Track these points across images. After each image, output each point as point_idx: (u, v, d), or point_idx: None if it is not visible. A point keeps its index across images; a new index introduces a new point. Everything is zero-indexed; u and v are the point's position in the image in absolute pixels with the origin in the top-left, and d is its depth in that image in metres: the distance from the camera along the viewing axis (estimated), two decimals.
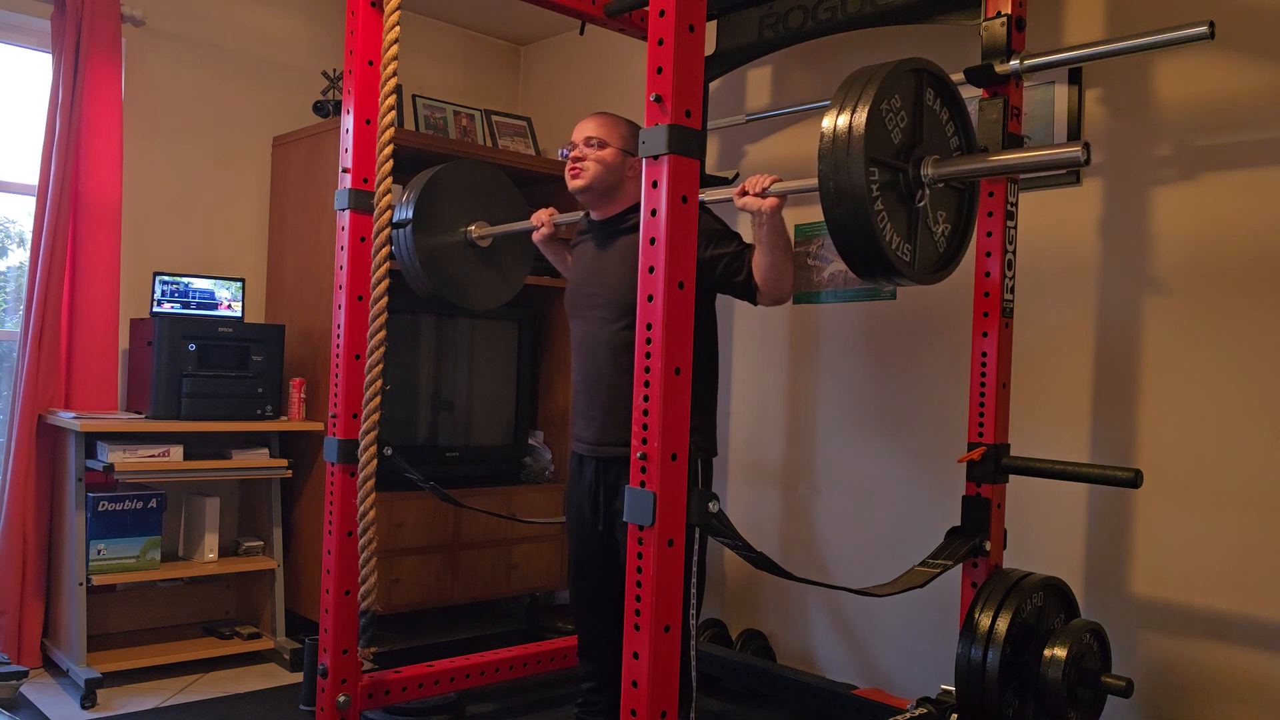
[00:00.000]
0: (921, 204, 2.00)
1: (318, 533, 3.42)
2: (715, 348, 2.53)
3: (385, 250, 2.62)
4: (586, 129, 2.51)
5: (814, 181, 1.92)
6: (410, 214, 2.79)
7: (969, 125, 2.15)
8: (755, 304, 2.36)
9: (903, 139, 1.97)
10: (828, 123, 1.90)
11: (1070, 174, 2.80)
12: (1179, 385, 2.61)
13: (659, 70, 1.87)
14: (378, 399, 2.62)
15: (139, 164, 3.61)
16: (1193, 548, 2.57)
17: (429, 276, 2.84)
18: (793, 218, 3.49)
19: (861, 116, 1.86)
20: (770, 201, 2.18)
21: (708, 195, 2.28)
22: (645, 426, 1.87)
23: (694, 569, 2.30)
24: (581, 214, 2.66)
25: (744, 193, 2.21)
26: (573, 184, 2.51)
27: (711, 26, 3.22)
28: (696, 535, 2.31)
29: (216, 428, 3.33)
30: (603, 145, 2.48)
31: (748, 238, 2.37)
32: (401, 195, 2.85)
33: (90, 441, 3.21)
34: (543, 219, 2.78)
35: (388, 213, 2.61)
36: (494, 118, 4.28)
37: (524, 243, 3.01)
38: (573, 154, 2.51)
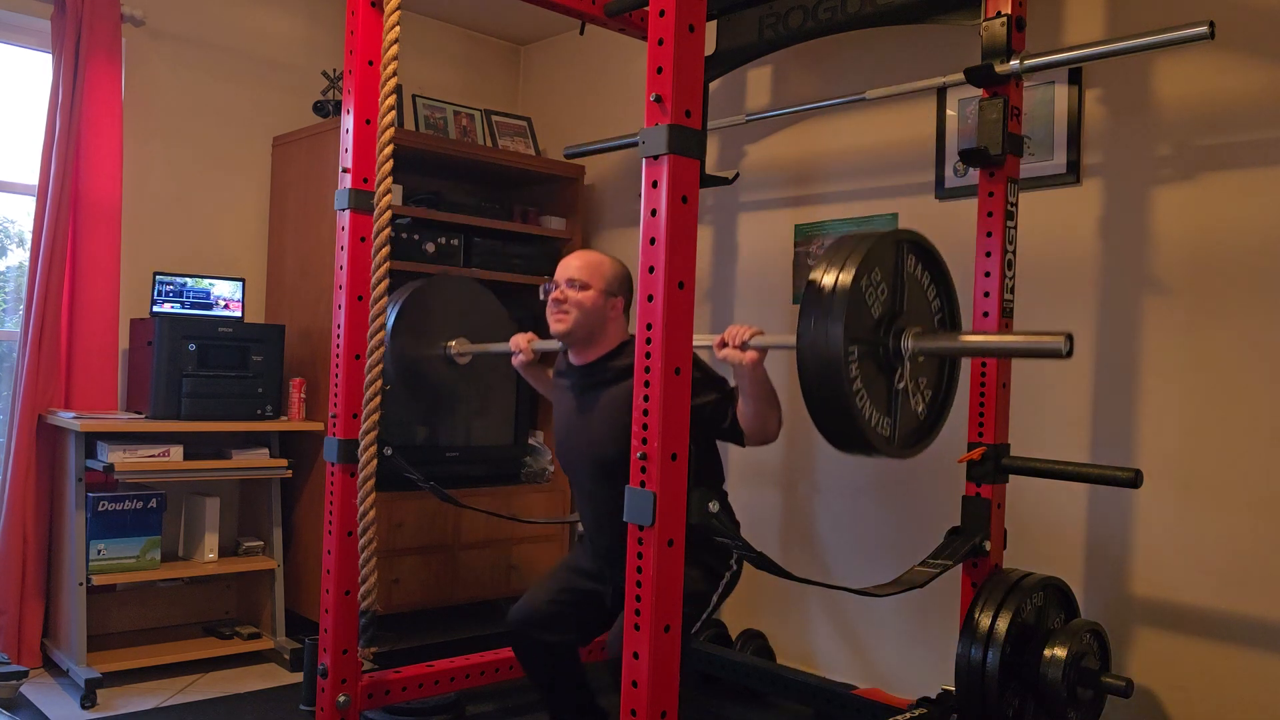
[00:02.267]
0: (901, 385, 1.94)
1: (318, 533, 3.42)
2: (719, 477, 2.53)
3: (385, 250, 2.62)
4: (569, 269, 2.46)
5: (793, 338, 1.89)
6: (394, 318, 2.78)
7: (952, 293, 2.09)
8: (742, 445, 2.32)
9: (882, 312, 1.92)
10: (806, 297, 1.85)
11: (1070, 174, 2.80)
12: (1179, 385, 2.61)
13: (659, 70, 1.87)
14: (378, 399, 2.62)
15: (139, 164, 3.61)
16: (1193, 548, 2.57)
17: (405, 388, 2.81)
18: (792, 218, 3.49)
19: (842, 299, 1.81)
20: (750, 356, 2.12)
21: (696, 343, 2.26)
22: (645, 426, 1.87)
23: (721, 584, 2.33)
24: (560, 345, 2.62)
25: (724, 344, 2.15)
26: (555, 329, 2.47)
27: (711, 26, 3.22)
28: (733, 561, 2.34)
29: (216, 428, 3.33)
30: (584, 288, 2.44)
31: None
32: (392, 300, 2.82)
33: (90, 441, 3.21)
34: (521, 345, 2.74)
35: (388, 213, 2.61)
36: (494, 118, 4.28)
37: (504, 367, 2.96)
38: (554, 295, 2.47)
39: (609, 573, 2.50)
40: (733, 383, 2.27)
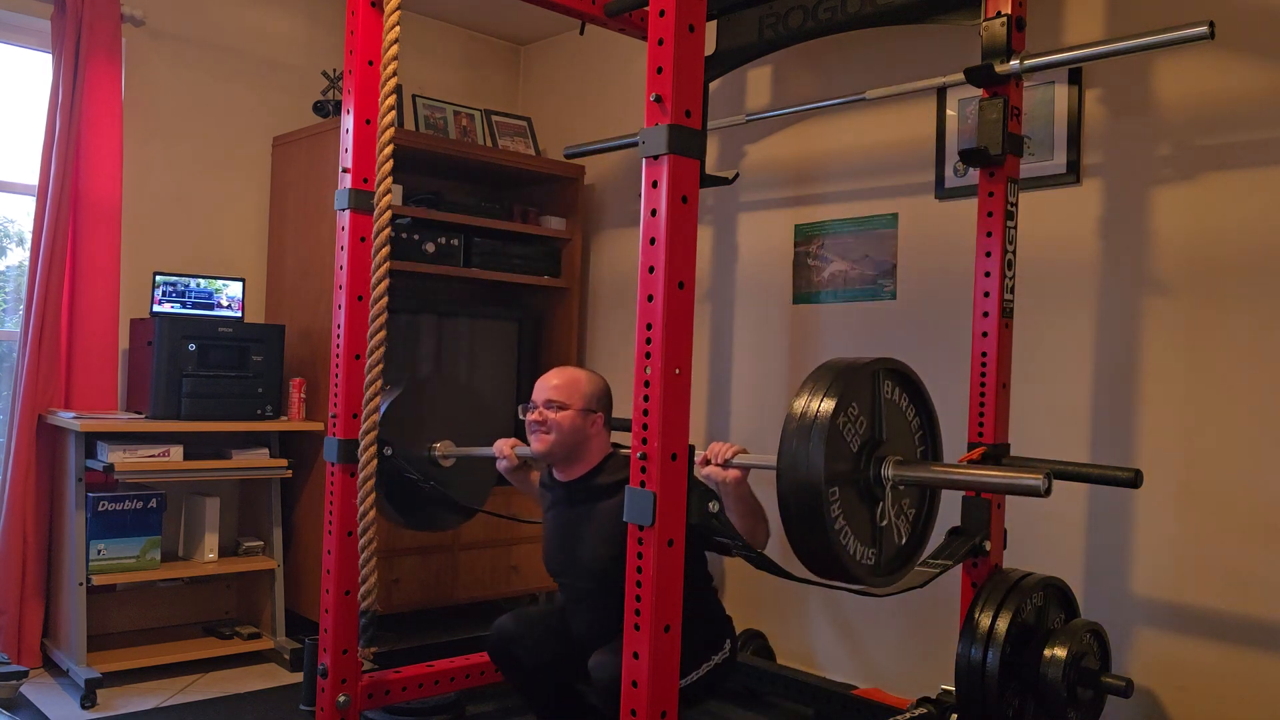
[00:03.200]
0: (884, 523, 1.93)
1: (318, 533, 3.42)
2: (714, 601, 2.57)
3: (385, 250, 2.62)
4: (547, 390, 2.48)
5: (774, 459, 1.87)
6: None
7: (932, 414, 2.08)
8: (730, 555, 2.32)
9: (862, 443, 1.90)
10: (786, 433, 1.84)
11: (1070, 174, 2.80)
12: (1179, 385, 2.61)
13: (659, 70, 1.87)
14: (378, 399, 2.62)
15: (139, 164, 3.61)
16: (1193, 548, 2.57)
17: (388, 496, 2.80)
18: (792, 218, 3.49)
19: (820, 445, 1.79)
20: (732, 474, 2.13)
21: None
22: (645, 427, 1.87)
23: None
24: None
25: (706, 461, 2.16)
26: (535, 449, 2.49)
27: (711, 26, 3.22)
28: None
29: (216, 428, 3.33)
30: (562, 408, 2.45)
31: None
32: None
33: (90, 441, 3.21)
34: (505, 451, 2.74)
35: (388, 213, 2.61)
36: (494, 118, 4.28)
37: (488, 469, 2.94)
38: (533, 416, 2.48)
39: (579, 632, 2.54)
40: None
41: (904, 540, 2.04)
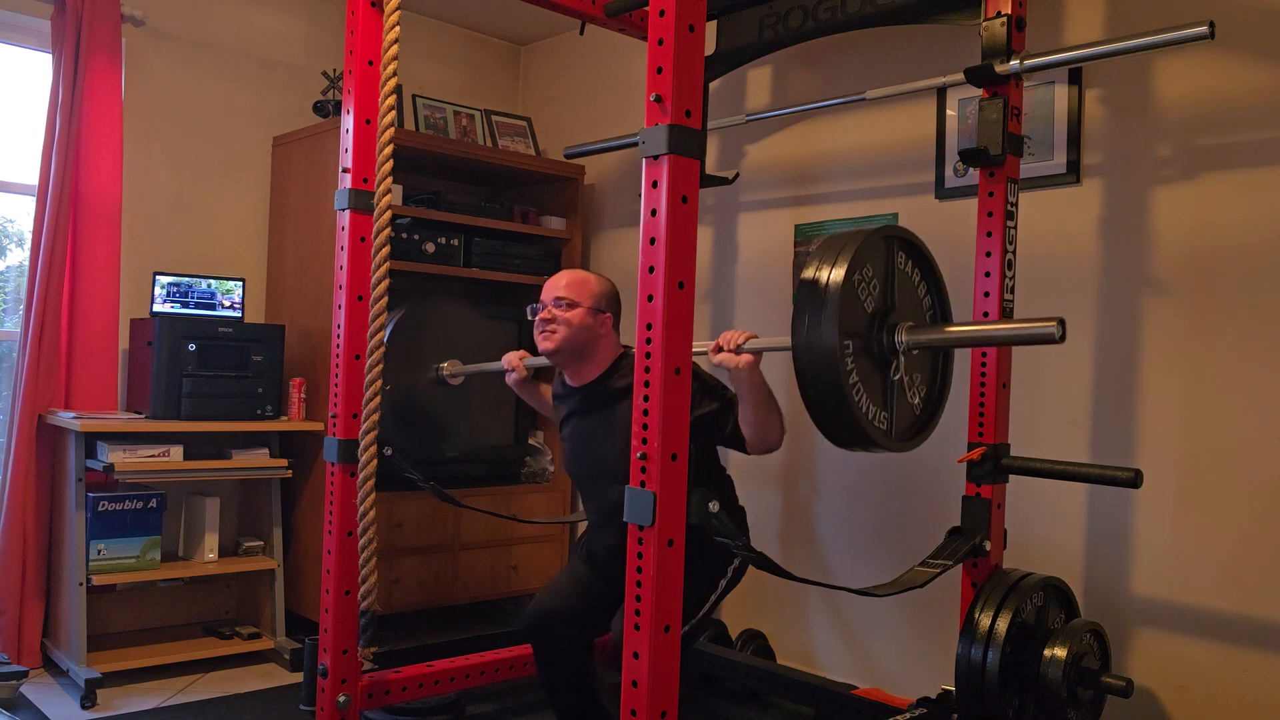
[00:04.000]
0: (897, 377, 1.97)
1: (318, 533, 3.42)
2: (721, 469, 2.53)
3: (385, 250, 2.62)
4: (556, 288, 2.46)
5: (788, 340, 1.90)
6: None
7: (942, 288, 2.12)
8: (746, 453, 2.32)
9: (875, 307, 1.95)
10: (800, 294, 1.87)
11: (1070, 174, 2.80)
12: (1179, 385, 2.61)
13: (659, 70, 1.87)
14: (378, 399, 2.62)
15: (139, 164, 3.61)
16: (1193, 548, 2.57)
17: (394, 417, 2.79)
18: (792, 218, 3.49)
19: (835, 287, 1.83)
20: (745, 359, 2.13)
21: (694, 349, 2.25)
22: (645, 427, 1.87)
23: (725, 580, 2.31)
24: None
25: (719, 349, 2.16)
26: (542, 347, 2.47)
27: (711, 26, 3.22)
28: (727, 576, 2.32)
29: (216, 428, 3.33)
30: (571, 306, 2.43)
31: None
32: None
33: (90, 441, 3.21)
34: (513, 363, 2.73)
35: (388, 213, 2.61)
36: (494, 118, 4.28)
37: (498, 386, 2.94)
38: (541, 314, 2.46)
39: (607, 569, 2.50)
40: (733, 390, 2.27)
41: (918, 412, 2.07)
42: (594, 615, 2.54)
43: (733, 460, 3.61)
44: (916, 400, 2.07)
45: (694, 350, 2.24)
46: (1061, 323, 1.79)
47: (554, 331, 2.44)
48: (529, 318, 2.52)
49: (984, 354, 2.43)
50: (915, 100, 3.15)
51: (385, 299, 2.63)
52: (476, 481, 3.86)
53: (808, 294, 1.86)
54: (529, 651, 3.14)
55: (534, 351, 2.63)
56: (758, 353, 2.14)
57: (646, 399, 1.87)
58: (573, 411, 2.56)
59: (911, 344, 1.96)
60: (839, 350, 1.82)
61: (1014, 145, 2.41)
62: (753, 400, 2.18)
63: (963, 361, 2.93)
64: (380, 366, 2.63)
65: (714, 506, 2.02)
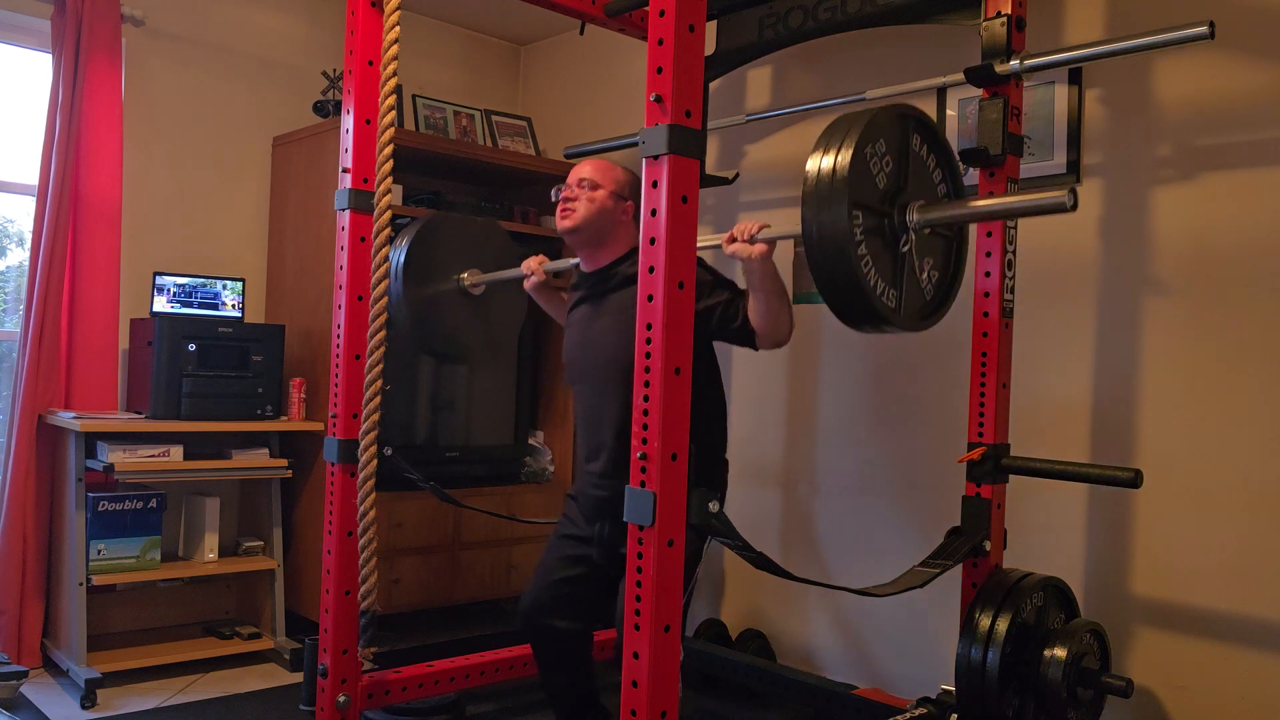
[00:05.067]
0: (906, 249, 1.97)
1: (318, 533, 3.42)
2: (719, 395, 2.47)
3: (385, 250, 2.62)
4: (582, 171, 2.46)
5: (799, 229, 1.92)
6: (404, 257, 2.78)
7: (956, 171, 2.13)
8: (755, 349, 2.31)
9: (888, 184, 1.96)
10: (811, 165, 1.88)
11: (1070, 174, 2.80)
12: (1179, 385, 2.61)
13: (659, 70, 1.87)
14: (378, 399, 2.62)
15: (139, 164, 3.61)
16: (1193, 548, 2.57)
17: (418, 326, 2.81)
18: (792, 217, 3.48)
19: (845, 159, 1.85)
20: (759, 248, 2.14)
21: (700, 244, 2.25)
22: (645, 427, 1.87)
23: (695, 570, 2.29)
24: (573, 262, 2.59)
25: (732, 239, 2.17)
26: (561, 224, 2.45)
27: (711, 26, 3.22)
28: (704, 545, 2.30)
29: (216, 428, 3.33)
30: (595, 187, 2.42)
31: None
32: (397, 240, 2.82)
33: (90, 441, 3.21)
34: (533, 267, 2.72)
35: (388, 213, 2.61)
36: (494, 118, 4.28)
37: (518, 294, 2.96)
38: (564, 194, 2.45)
39: (596, 515, 2.44)
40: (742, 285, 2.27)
41: (929, 296, 2.09)
42: (588, 602, 2.48)
43: (734, 459, 3.60)
44: (929, 284, 2.08)
45: (706, 244, 2.27)
46: (1073, 191, 1.80)
47: (573, 210, 2.42)
48: (552, 199, 2.51)
49: (984, 354, 2.43)
50: (915, 100, 3.15)
51: (385, 299, 2.63)
52: (476, 481, 3.87)
53: (820, 164, 1.86)
54: (529, 651, 3.15)
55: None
56: (770, 241, 2.16)
57: (646, 399, 1.87)
58: (582, 299, 2.53)
59: (923, 222, 1.96)
60: (849, 220, 1.83)
61: (1014, 145, 2.41)
62: (764, 290, 2.18)
63: (963, 362, 2.94)
64: (380, 366, 2.63)
65: (714, 506, 2.02)
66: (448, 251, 2.89)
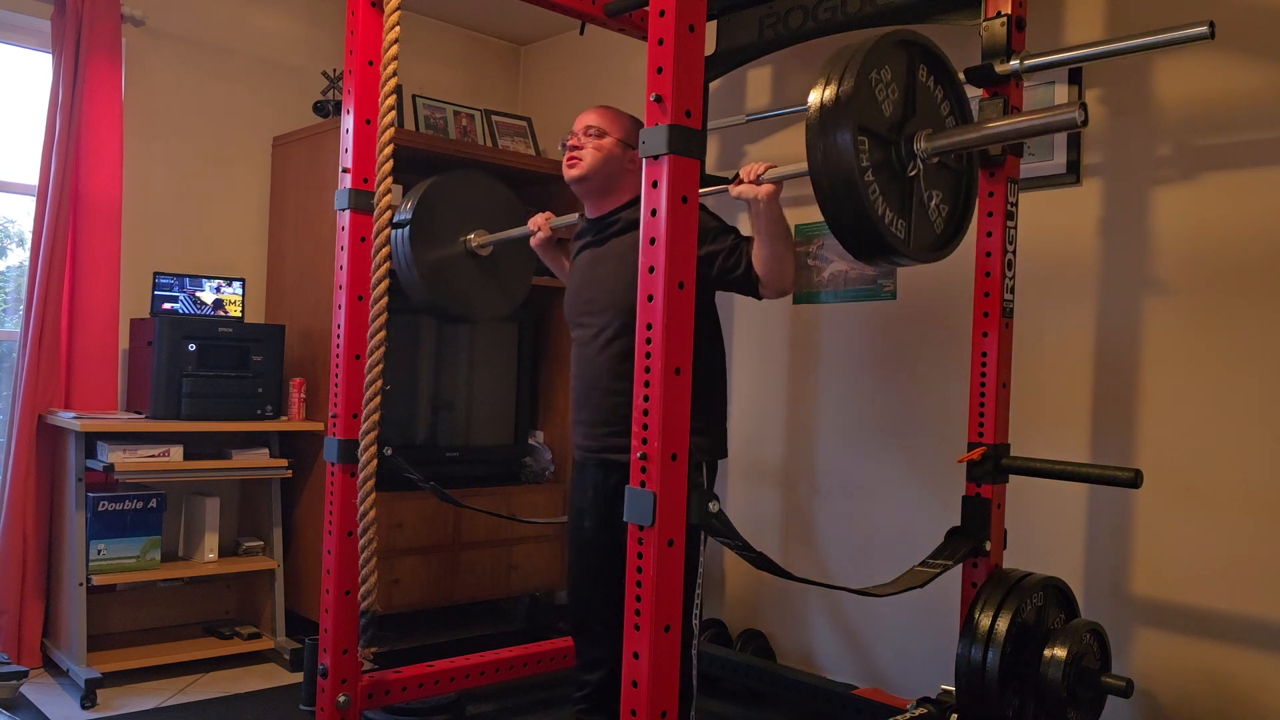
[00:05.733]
0: (914, 174, 1.95)
1: (318, 533, 3.42)
2: (720, 349, 2.48)
3: (385, 250, 2.62)
4: (588, 119, 2.46)
5: (806, 165, 1.90)
6: (410, 215, 2.79)
7: (964, 101, 2.12)
8: (759, 297, 2.30)
9: (894, 113, 1.94)
10: (814, 96, 1.86)
11: (1070, 174, 2.80)
12: (1179, 385, 2.61)
13: (659, 70, 1.87)
14: (378, 399, 2.62)
15: (139, 164, 3.61)
16: (1193, 548, 2.57)
17: (428, 288, 2.83)
18: (792, 218, 3.47)
19: (849, 84, 1.82)
20: (766, 189, 2.14)
21: (704, 190, 2.26)
22: (645, 427, 1.87)
23: (697, 569, 2.29)
24: (578, 215, 2.62)
25: (739, 181, 2.17)
26: (568, 173, 2.45)
27: (711, 26, 3.22)
28: (703, 538, 2.29)
29: (216, 428, 3.33)
30: (601, 135, 2.43)
31: (746, 231, 2.36)
32: (402, 204, 2.84)
33: (90, 441, 3.21)
34: (539, 223, 2.74)
35: (388, 213, 2.61)
36: (494, 118, 4.28)
37: (525, 252, 2.99)
38: (570, 142, 2.46)
39: (583, 472, 2.45)
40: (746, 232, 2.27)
41: (939, 230, 2.06)
42: (611, 586, 2.44)
43: (733, 459, 3.61)
44: (938, 217, 2.06)
45: (709, 191, 2.25)
46: (1083, 106, 1.80)
47: (580, 159, 2.42)
48: (559, 148, 2.51)
49: (984, 354, 2.43)
50: None
51: (385, 299, 2.63)
52: (476, 481, 3.87)
53: (823, 93, 1.84)
54: (529, 651, 3.15)
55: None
56: (778, 181, 2.15)
57: (646, 399, 1.87)
58: (586, 244, 2.53)
59: (931, 150, 1.94)
60: (854, 145, 1.80)
61: (1014, 145, 2.41)
62: (770, 234, 2.17)
63: (963, 362, 2.94)
64: (380, 366, 2.63)
65: (714, 507, 2.02)
66: (454, 213, 2.91)
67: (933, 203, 2.05)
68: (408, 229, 2.81)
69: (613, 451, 2.39)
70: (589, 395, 2.45)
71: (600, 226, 2.50)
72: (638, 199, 2.39)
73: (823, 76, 1.88)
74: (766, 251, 2.20)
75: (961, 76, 2.47)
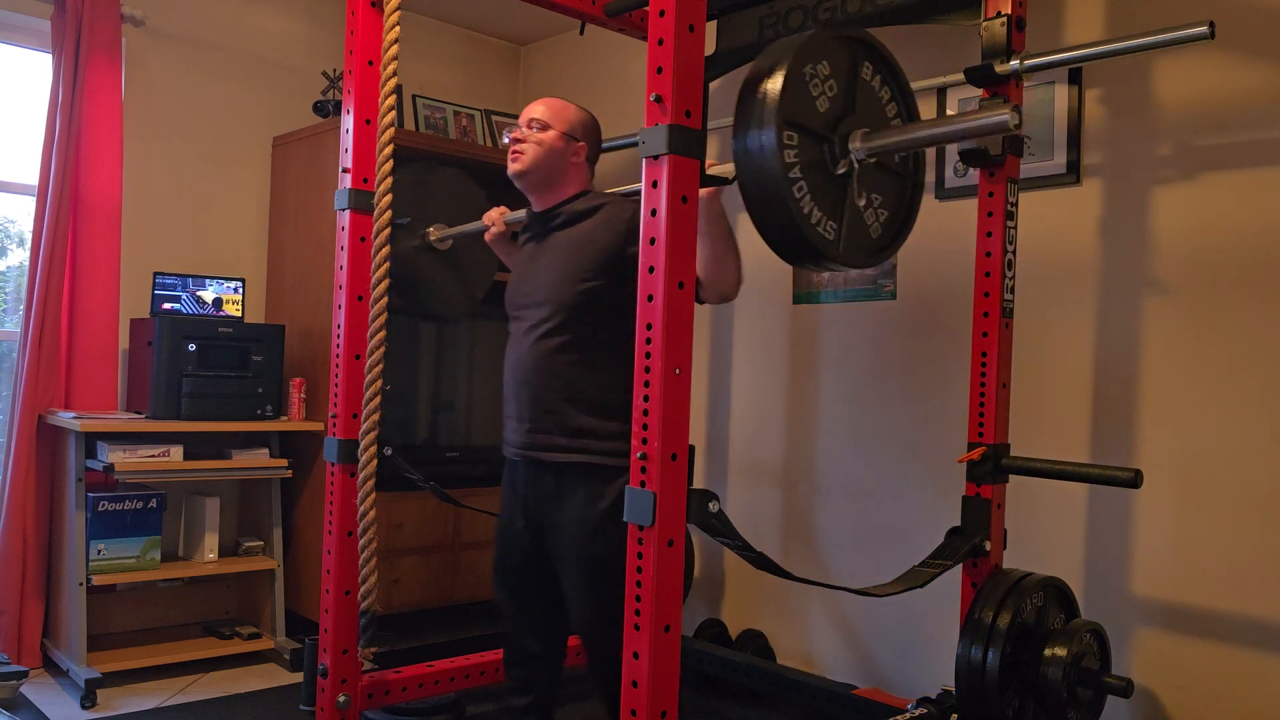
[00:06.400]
0: (843, 172, 1.85)
1: (318, 533, 3.42)
2: (628, 346, 2.31)
3: (385, 250, 2.62)
4: (532, 111, 2.38)
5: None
6: (409, 218, 2.79)
7: (912, 104, 2.05)
8: (699, 301, 2.17)
9: (830, 109, 1.86)
10: (744, 85, 1.78)
11: (1070, 174, 2.80)
12: (1179, 385, 2.61)
13: (659, 70, 1.87)
14: (378, 399, 2.62)
15: (139, 164, 3.61)
16: (1193, 548, 2.57)
17: (396, 292, 2.78)
18: None
19: (779, 77, 1.74)
20: (707, 189, 2.03)
21: (633, 186, 2.18)
22: (645, 426, 1.87)
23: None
24: (525, 211, 2.54)
25: None
26: (510, 168, 2.37)
27: (711, 26, 3.22)
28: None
29: (216, 428, 3.33)
30: (544, 128, 2.35)
31: None
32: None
33: (90, 441, 3.21)
34: (493, 218, 2.69)
35: (388, 213, 2.61)
36: (494, 118, 4.28)
37: (487, 251, 2.95)
38: (514, 135, 2.37)
39: (513, 439, 2.36)
40: None
41: (875, 235, 1.95)
42: (540, 602, 2.36)
43: (733, 459, 3.61)
44: (875, 222, 1.95)
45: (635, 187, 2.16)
46: (1016, 109, 1.73)
47: (522, 153, 2.35)
48: (504, 141, 2.44)
49: (984, 354, 2.43)
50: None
51: (385, 299, 2.63)
52: (476, 481, 3.86)
53: (753, 77, 1.75)
54: None
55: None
56: (718, 181, 2.06)
57: (646, 399, 1.87)
58: (529, 238, 2.46)
59: (865, 150, 1.85)
60: (778, 140, 1.71)
61: (1014, 145, 2.41)
62: (712, 234, 2.06)
63: (963, 362, 2.94)
64: (380, 366, 2.63)
65: (714, 507, 2.02)
66: (421, 206, 2.90)
67: (870, 206, 1.96)
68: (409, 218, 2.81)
69: (541, 450, 2.30)
70: (520, 390, 2.35)
71: (544, 220, 2.41)
72: (582, 193, 2.37)
73: (754, 66, 1.82)
74: (706, 252, 2.08)
75: (961, 76, 2.47)
